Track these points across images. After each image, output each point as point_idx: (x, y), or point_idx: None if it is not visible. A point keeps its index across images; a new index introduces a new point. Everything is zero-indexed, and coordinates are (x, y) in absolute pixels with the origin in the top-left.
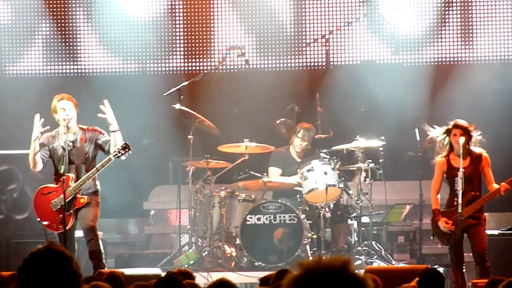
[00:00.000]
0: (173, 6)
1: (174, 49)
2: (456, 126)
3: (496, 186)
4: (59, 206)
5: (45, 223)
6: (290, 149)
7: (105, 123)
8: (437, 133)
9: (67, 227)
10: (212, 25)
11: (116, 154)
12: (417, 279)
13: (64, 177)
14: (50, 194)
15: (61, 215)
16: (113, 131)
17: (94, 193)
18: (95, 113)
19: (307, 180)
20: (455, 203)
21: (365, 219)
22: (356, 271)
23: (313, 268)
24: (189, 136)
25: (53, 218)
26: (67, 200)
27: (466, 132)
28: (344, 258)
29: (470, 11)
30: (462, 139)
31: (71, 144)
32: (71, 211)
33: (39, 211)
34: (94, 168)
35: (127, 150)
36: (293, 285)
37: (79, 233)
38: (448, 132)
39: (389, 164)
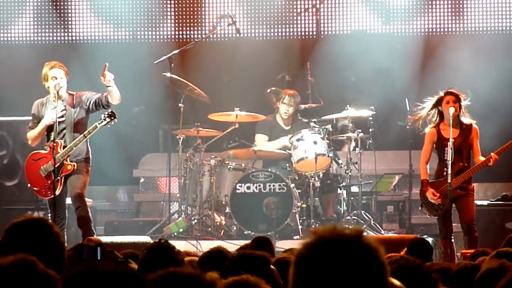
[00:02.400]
0: None
1: (165, 17)
2: (448, 93)
3: (482, 158)
4: (47, 173)
5: (35, 189)
6: (277, 117)
7: (96, 89)
8: (427, 108)
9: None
10: None
11: (102, 121)
12: (406, 248)
13: (54, 144)
14: (40, 160)
15: (49, 182)
16: (109, 87)
17: (85, 160)
18: (85, 80)
19: (296, 149)
20: (444, 174)
21: (354, 189)
22: (370, 240)
23: (327, 235)
24: (179, 104)
25: (42, 185)
26: (55, 167)
27: (457, 100)
28: (359, 227)
29: None
30: (452, 109)
31: (60, 111)
32: (59, 178)
33: (30, 177)
34: (81, 135)
35: (112, 118)
36: (306, 252)
37: (70, 201)
38: (439, 101)
39: (378, 133)
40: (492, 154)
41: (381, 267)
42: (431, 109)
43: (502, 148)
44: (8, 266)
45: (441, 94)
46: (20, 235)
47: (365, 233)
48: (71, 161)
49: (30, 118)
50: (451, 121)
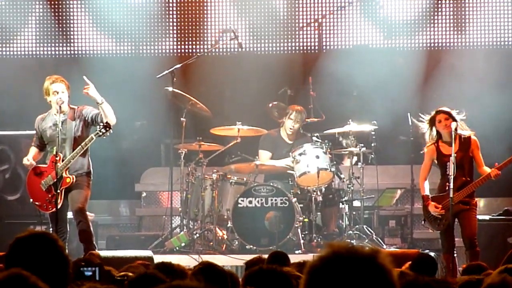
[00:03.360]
0: None
1: (168, 31)
2: (438, 112)
3: (486, 169)
4: (47, 186)
5: (37, 203)
6: (281, 132)
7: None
8: (424, 126)
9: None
10: (205, 8)
11: (98, 133)
12: (409, 263)
13: (57, 157)
14: (41, 174)
15: (49, 195)
16: (100, 104)
17: (86, 174)
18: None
19: (299, 164)
20: (447, 188)
21: (356, 203)
22: (385, 261)
23: (342, 251)
24: (181, 119)
25: (43, 199)
26: (55, 180)
27: (450, 116)
28: (375, 247)
29: None
30: (454, 124)
31: (60, 124)
32: (58, 191)
33: (31, 191)
34: (79, 147)
35: (108, 129)
36: (319, 264)
37: (71, 215)
38: (432, 121)
39: (381, 148)
40: (493, 169)
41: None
42: (427, 125)
43: (504, 163)
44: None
45: (432, 113)
46: (24, 249)
47: (380, 254)
48: (71, 175)
49: (33, 132)
50: (453, 134)
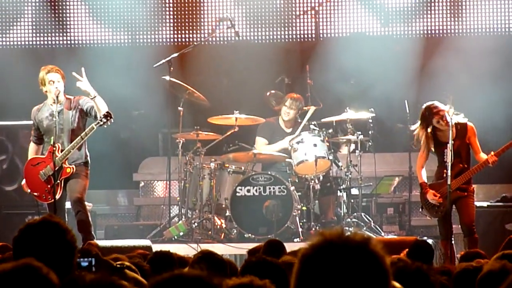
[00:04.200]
0: None
1: (164, 20)
2: (434, 114)
3: (483, 155)
4: (46, 177)
5: (35, 194)
6: (279, 120)
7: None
8: (418, 131)
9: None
10: None
11: (98, 122)
12: (406, 250)
13: (54, 148)
14: (39, 165)
15: (49, 186)
16: (93, 98)
17: (83, 164)
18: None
19: (296, 152)
20: (444, 175)
21: (354, 191)
22: (377, 248)
23: (334, 238)
24: (179, 108)
25: (42, 189)
26: (54, 171)
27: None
28: (366, 234)
29: None
30: (451, 110)
31: (57, 114)
32: (58, 181)
33: (29, 182)
34: (78, 137)
35: (109, 118)
36: (311, 252)
37: (69, 205)
38: (429, 122)
39: (378, 136)
40: (491, 155)
41: (385, 276)
42: (423, 129)
43: (501, 149)
44: (12, 270)
45: (423, 109)
46: (34, 235)
47: (372, 241)
48: (70, 165)
49: (30, 122)
50: (450, 120)
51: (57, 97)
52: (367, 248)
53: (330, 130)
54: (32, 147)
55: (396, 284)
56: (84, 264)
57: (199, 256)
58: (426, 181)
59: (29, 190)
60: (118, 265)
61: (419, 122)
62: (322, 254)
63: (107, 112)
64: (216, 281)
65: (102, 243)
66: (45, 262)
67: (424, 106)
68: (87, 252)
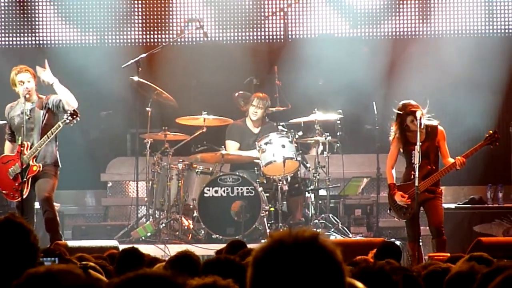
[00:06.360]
0: None
1: (133, 21)
2: (409, 113)
3: (451, 160)
4: (14, 175)
5: (4, 192)
6: (247, 121)
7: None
8: (394, 130)
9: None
10: None
11: (65, 120)
12: (374, 251)
13: (22, 147)
14: (8, 163)
15: (17, 184)
16: (51, 84)
17: (53, 164)
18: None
19: (265, 153)
20: (412, 177)
21: (322, 192)
22: (326, 242)
23: (283, 239)
24: (147, 108)
25: (10, 187)
26: (22, 169)
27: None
28: (314, 230)
29: None
30: (419, 113)
31: (28, 112)
32: (25, 179)
33: None
34: (45, 135)
35: (75, 116)
36: (262, 255)
37: (38, 205)
38: (403, 120)
39: (346, 137)
40: (459, 157)
41: (337, 268)
42: (397, 129)
43: (469, 151)
44: None
45: (400, 105)
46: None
47: (320, 236)
48: (38, 163)
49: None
50: (418, 123)
51: (26, 96)
52: (317, 244)
53: (300, 133)
54: (7, 145)
55: (359, 284)
56: (47, 263)
57: (176, 256)
58: (395, 183)
59: None
60: (81, 265)
61: (394, 117)
62: (273, 255)
63: (73, 110)
64: (180, 280)
65: (69, 243)
66: (7, 261)
67: (401, 102)
68: (51, 252)
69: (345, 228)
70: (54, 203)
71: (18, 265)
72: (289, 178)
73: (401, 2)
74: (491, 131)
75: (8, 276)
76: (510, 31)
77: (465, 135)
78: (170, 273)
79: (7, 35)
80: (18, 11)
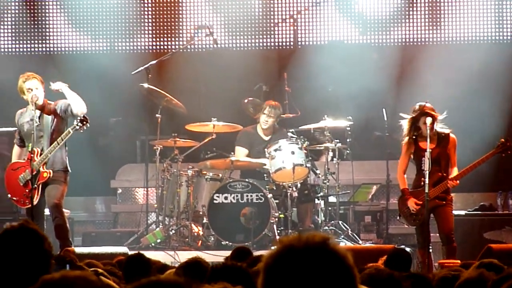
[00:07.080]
0: None
1: (143, 28)
2: (425, 113)
3: (456, 171)
4: (25, 181)
5: (14, 198)
6: (257, 128)
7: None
8: (405, 128)
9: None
10: (180, 4)
11: (74, 127)
12: (383, 258)
13: (32, 154)
14: (19, 169)
15: (27, 190)
16: (64, 90)
17: (63, 170)
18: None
19: (274, 160)
20: (422, 184)
21: (332, 199)
22: (337, 247)
23: (294, 244)
24: (157, 115)
25: (20, 194)
26: (32, 175)
27: (433, 117)
28: (324, 234)
29: None
30: (429, 119)
31: (37, 119)
32: (35, 186)
33: (9, 186)
34: (55, 142)
35: (85, 122)
36: (273, 261)
37: (48, 211)
38: (416, 120)
39: (356, 144)
40: (451, 180)
41: (349, 272)
42: (409, 127)
43: (480, 159)
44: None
45: (416, 107)
46: (12, 241)
47: (331, 240)
48: (48, 170)
49: (8, 129)
50: (428, 130)
51: (35, 103)
52: (327, 248)
53: (307, 143)
54: (15, 150)
55: None
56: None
57: (187, 263)
58: (408, 188)
59: (9, 195)
60: (92, 272)
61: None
62: (284, 260)
63: (83, 116)
64: (193, 287)
65: (79, 250)
66: (22, 268)
67: (418, 103)
68: (62, 259)
69: (355, 235)
70: (64, 210)
71: (33, 271)
72: (298, 185)
73: (411, 8)
74: (503, 139)
75: (23, 282)
76: None
77: (476, 142)
78: (183, 280)
79: (17, 41)
80: (28, 18)
